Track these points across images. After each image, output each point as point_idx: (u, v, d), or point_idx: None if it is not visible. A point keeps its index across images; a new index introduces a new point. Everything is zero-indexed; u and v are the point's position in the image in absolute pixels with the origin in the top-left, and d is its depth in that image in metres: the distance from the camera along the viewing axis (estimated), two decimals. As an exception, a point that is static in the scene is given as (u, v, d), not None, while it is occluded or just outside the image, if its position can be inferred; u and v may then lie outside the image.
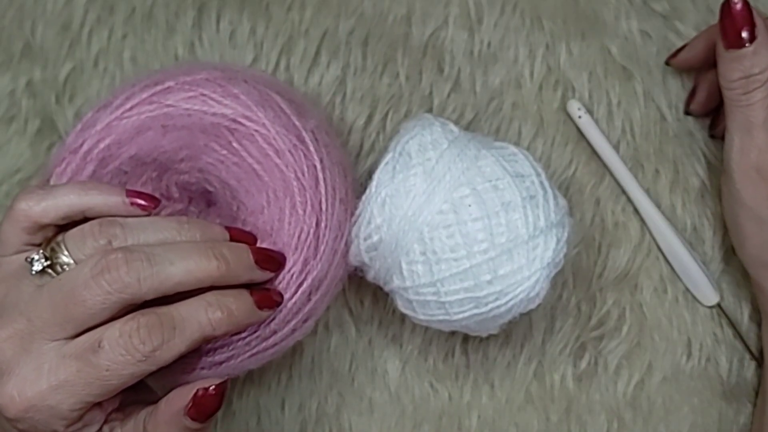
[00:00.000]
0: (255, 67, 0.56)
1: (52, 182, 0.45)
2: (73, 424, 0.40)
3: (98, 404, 0.40)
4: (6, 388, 0.38)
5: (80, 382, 0.38)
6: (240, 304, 0.42)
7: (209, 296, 0.41)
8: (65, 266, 0.40)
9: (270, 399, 0.55)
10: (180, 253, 0.40)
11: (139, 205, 0.43)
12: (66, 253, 0.40)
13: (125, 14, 0.57)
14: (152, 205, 0.43)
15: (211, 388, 0.40)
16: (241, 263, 0.42)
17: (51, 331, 0.39)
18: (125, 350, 0.38)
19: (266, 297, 0.43)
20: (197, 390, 0.40)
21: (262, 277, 0.43)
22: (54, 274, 0.40)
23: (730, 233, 0.52)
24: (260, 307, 0.43)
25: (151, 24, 0.57)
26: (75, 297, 0.38)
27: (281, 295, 0.44)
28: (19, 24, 0.57)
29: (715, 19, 0.55)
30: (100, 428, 0.41)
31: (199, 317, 0.40)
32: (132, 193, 0.43)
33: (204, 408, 0.40)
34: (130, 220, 0.42)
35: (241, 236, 0.44)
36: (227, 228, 0.44)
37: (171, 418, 0.40)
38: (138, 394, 0.43)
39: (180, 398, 0.40)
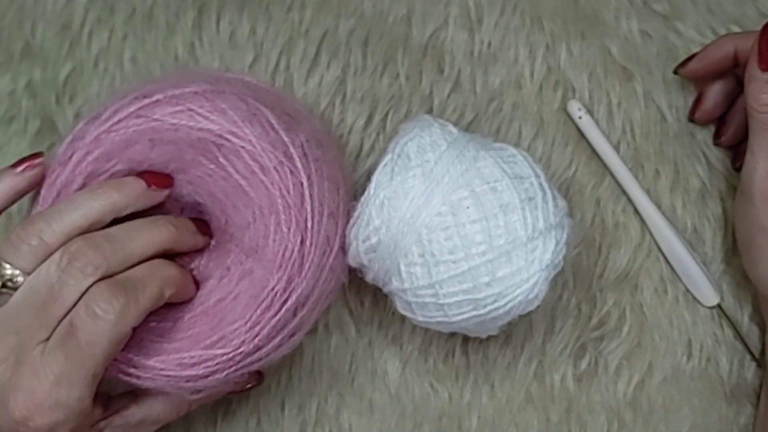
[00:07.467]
0: (254, 69, 0.56)
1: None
2: (89, 416, 0.42)
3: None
4: (18, 403, 0.40)
5: (72, 368, 0.39)
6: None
7: (158, 260, 0.44)
8: (15, 278, 0.41)
9: (270, 399, 0.55)
10: (134, 229, 0.43)
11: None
12: (7, 265, 0.41)
13: (125, 15, 0.57)
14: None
15: None
16: (185, 229, 0.46)
17: (37, 336, 0.40)
18: (95, 318, 0.39)
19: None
20: None
21: (204, 242, 0.47)
22: (9, 290, 0.41)
23: (742, 252, 0.51)
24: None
25: (151, 24, 0.57)
26: (52, 295, 0.40)
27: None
28: (19, 24, 0.57)
29: (715, 19, 0.56)
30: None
31: (155, 272, 0.43)
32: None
33: None
34: (47, 209, 0.43)
35: (153, 179, 0.45)
36: (140, 174, 0.45)
37: None
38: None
39: None
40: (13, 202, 0.45)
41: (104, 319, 0.39)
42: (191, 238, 0.46)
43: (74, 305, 0.40)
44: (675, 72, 0.54)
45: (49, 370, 0.39)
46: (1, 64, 0.57)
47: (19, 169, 0.44)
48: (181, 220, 0.46)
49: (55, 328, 0.40)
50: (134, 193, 0.44)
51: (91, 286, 0.40)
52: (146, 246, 0.43)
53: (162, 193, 0.45)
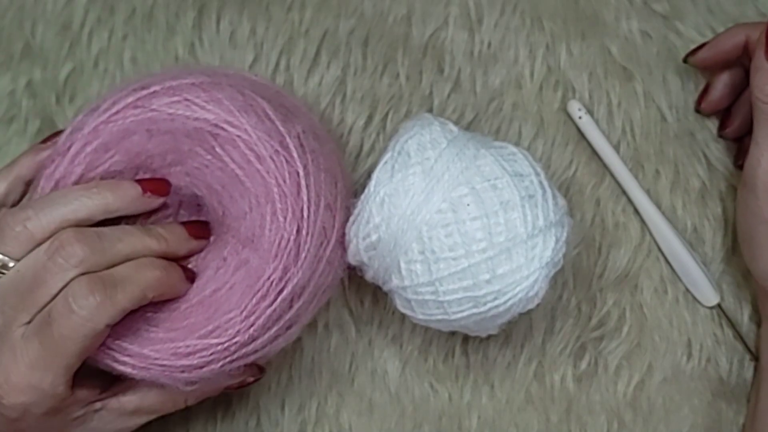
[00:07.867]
0: (254, 69, 0.56)
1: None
2: (66, 399, 0.42)
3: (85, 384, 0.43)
4: None
5: (47, 356, 0.40)
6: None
7: (145, 258, 0.43)
8: (0, 263, 0.42)
9: (270, 399, 0.55)
10: (127, 233, 0.43)
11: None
12: None
13: (125, 15, 0.57)
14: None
15: None
16: (177, 239, 0.46)
17: (20, 317, 0.41)
18: (70, 312, 0.40)
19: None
20: None
21: (199, 246, 0.47)
22: None
23: (743, 245, 0.51)
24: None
25: (151, 25, 0.57)
26: (37, 280, 0.40)
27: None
28: (19, 24, 0.58)
29: (715, 19, 0.56)
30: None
31: (139, 273, 0.42)
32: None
33: None
34: (40, 199, 0.43)
35: (150, 186, 0.45)
36: (138, 181, 0.45)
37: None
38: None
39: None
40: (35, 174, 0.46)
41: (79, 315, 0.40)
42: (183, 246, 0.46)
43: (58, 294, 0.40)
44: (685, 60, 0.54)
45: (25, 353, 0.40)
46: (1, 64, 0.58)
47: (46, 143, 0.47)
48: (173, 228, 0.46)
49: (37, 314, 0.41)
50: (128, 197, 0.44)
51: (74, 278, 0.40)
52: (135, 251, 0.43)
53: (157, 200, 0.45)
